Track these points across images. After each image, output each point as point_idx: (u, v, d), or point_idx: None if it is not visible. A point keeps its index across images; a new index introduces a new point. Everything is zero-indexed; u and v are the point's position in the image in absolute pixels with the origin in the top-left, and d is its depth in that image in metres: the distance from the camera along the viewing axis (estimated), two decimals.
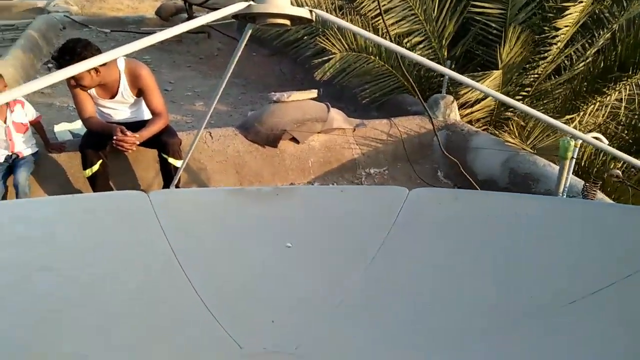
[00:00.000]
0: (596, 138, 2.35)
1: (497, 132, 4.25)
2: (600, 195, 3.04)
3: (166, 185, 3.35)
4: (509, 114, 4.87)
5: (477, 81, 3.72)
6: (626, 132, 4.87)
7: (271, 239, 1.67)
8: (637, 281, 1.25)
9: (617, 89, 4.70)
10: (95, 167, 3.22)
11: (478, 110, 4.82)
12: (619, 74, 4.55)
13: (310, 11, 1.23)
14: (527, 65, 4.99)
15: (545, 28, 4.78)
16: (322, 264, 1.60)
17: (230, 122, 4.58)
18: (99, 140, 3.25)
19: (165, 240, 1.60)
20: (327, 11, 3.78)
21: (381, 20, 4.57)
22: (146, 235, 1.65)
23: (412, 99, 4.95)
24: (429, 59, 1.46)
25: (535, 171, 3.65)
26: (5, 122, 3.22)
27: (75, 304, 1.38)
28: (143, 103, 3.40)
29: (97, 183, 3.27)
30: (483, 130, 4.52)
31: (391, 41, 3.56)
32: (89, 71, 3.01)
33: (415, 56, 1.91)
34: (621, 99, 4.78)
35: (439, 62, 4.47)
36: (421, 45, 5.19)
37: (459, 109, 4.64)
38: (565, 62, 5.16)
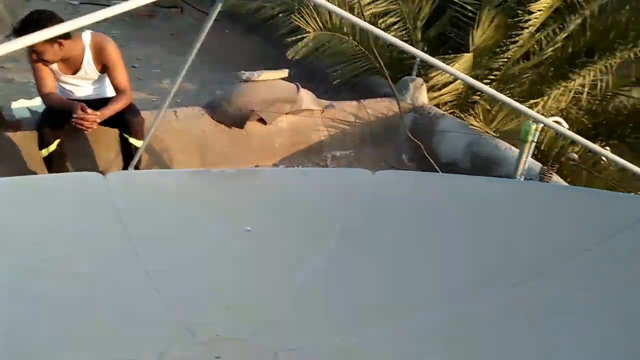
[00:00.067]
0: (557, 122, 2.39)
1: (462, 116, 4.26)
2: (555, 177, 3.11)
3: (126, 166, 3.26)
4: (476, 97, 4.89)
5: (448, 64, 3.70)
6: (586, 117, 4.97)
7: (231, 223, 1.64)
8: (594, 256, 1.36)
9: (582, 74, 4.77)
10: (52, 147, 3.09)
11: (446, 93, 4.82)
12: (585, 60, 4.61)
13: None
14: (498, 49, 5.00)
15: (519, 11, 4.78)
16: (282, 247, 1.57)
17: (198, 102, 4.47)
18: (58, 118, 3.10)
19: (119, 224, 1.55)
20: None
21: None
22: (100, 218, 1.60)
23: (384, 81, 4.92)
24: (402, 41, 1.43)
25: (497, 155, 3.71)
26: None
27: (24, 289, 1.33)
28: (107, 79, 3.26)
29: (54, 164, 3.14)
30: (450, 113, 4.54)
31: (365, 21, 3.51)
32: (52, 44, 2.85)
33: (388, 36, 1.87)
34: (584, 85, 4.86)
35: (412, 44, 4.44)
36: (396, 26, 5.14)
37: (428, 91, 4.64)
38: (535, 46, 5.20)
